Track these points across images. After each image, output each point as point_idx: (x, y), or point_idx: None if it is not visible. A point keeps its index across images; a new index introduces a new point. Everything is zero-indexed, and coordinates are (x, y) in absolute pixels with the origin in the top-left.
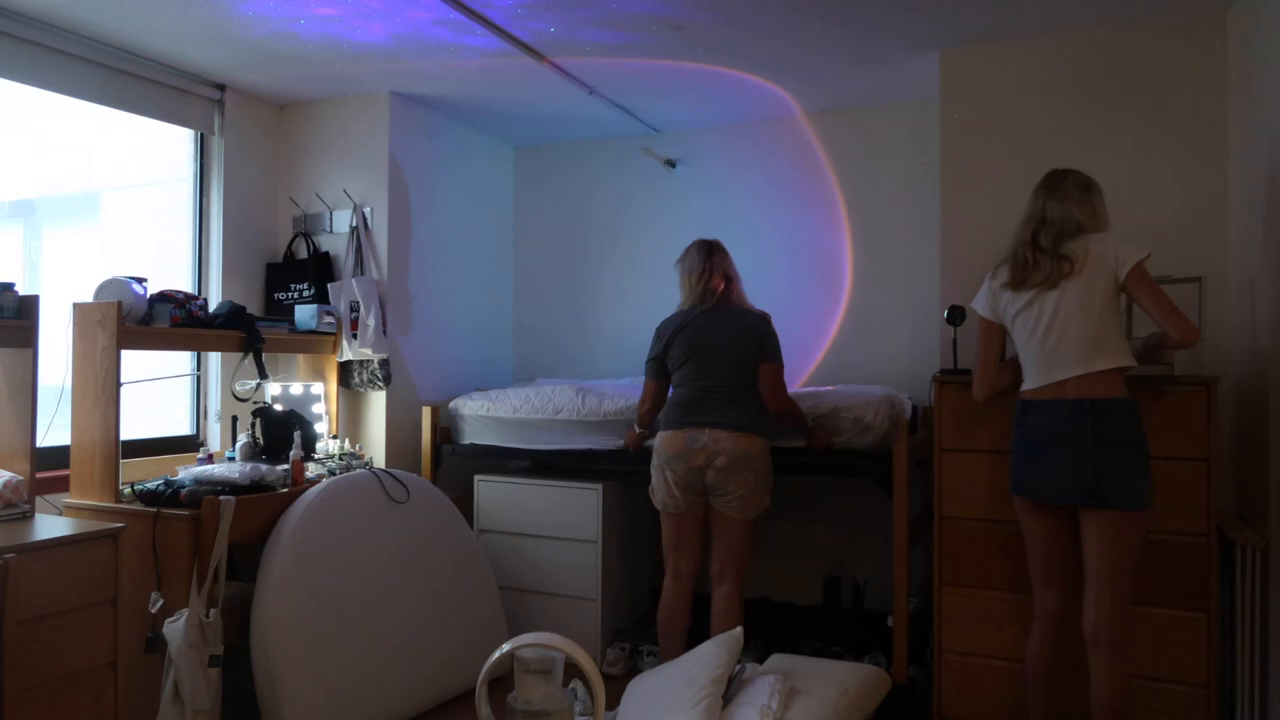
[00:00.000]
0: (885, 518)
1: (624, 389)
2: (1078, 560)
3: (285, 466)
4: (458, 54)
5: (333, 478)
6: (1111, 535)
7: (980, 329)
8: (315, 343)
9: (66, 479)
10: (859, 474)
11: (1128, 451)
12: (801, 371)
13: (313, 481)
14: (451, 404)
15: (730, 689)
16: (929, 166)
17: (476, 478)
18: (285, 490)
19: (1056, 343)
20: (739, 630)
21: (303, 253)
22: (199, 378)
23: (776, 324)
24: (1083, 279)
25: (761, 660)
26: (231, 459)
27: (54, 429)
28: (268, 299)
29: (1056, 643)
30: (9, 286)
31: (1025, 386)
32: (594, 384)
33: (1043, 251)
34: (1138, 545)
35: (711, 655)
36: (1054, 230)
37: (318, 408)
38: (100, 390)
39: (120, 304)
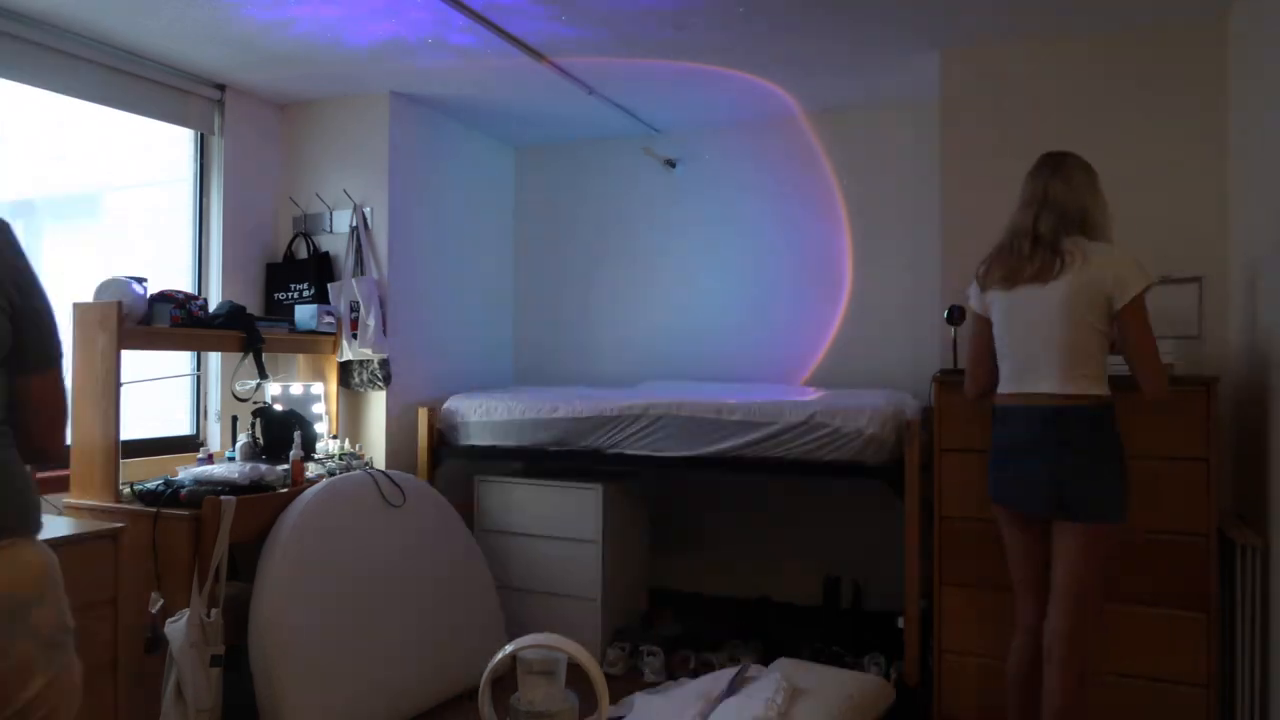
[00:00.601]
0: (886, 518)
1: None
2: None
3: (285, 466)
4: (458, 54)
5: (331, 478)
6: (1076, 548)
7: (972, 324)
8: (315, 343)
9: (66, 479)
10: (868, 475)
11: (1095, 460)
12: (802, 371)
13: (312, 481)
14: (446, 405)
15: (732, 684)
16: (929, 166)
17: (476, 478)
18: (285, 490)
19: (1032, 350)
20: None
21: (303, 253)
22: (199, 378)
23: (777, 323)
24: (1072, 286)
25: (763, 661)
26: (231, 459)
27: None
28: (268, 299)
29: (1035, 654)
30: None
31: (999, 390)
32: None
33: (1039, 243)
34: (1104, 559)
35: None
36: (1055, 216)
37: (318, 408)
38: (100, 390)
39: (120, 304)
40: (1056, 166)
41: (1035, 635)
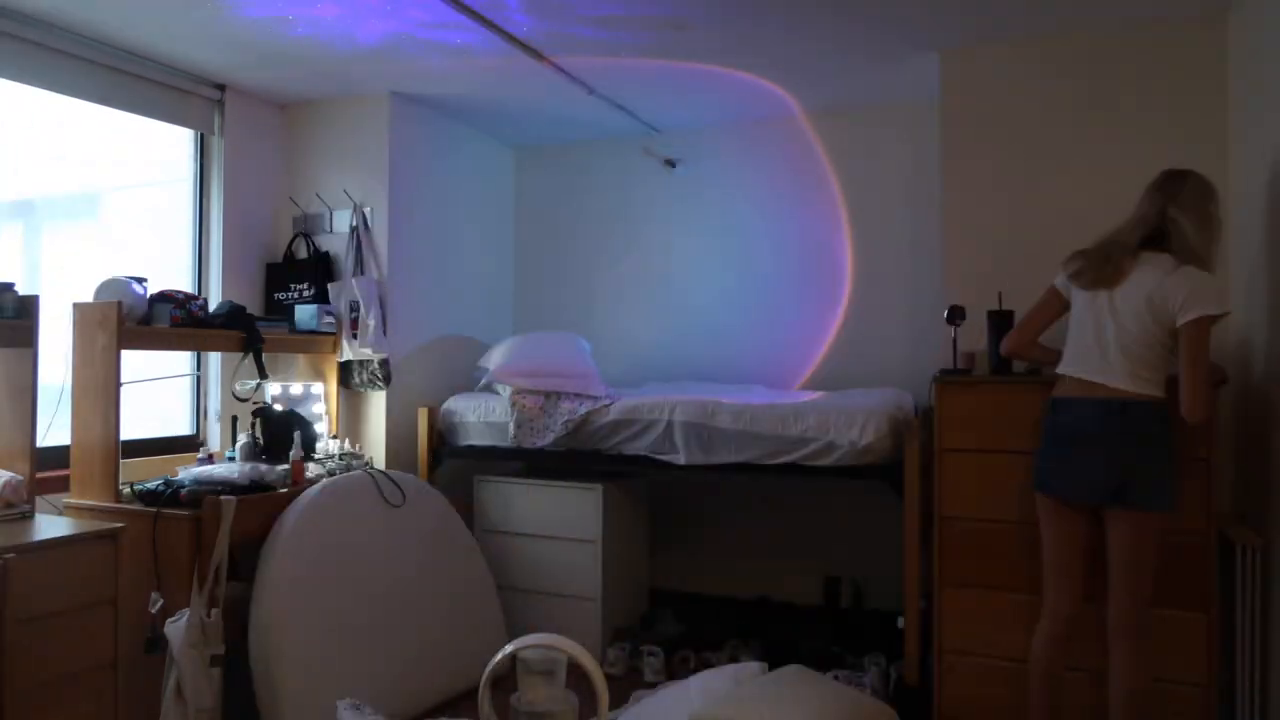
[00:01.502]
0: (886, 517)
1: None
2: (1094, 561)
3: (285, 466)
4: (458, 54)
5: (331, 478)
6: (1135, 532)
7: (1045, 294)
8: (315, 343)
9: (66, 479)
10: (868, 475)
11: (1155, 452)
12: (803, 371)
13: (312, 481)
14: (446, 405)
15: None
16: (928, 166)
17: (476, 478)
18: (285, 490)
19: (1103, 348)
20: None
21: (303, 253)
22: (199, 378)
23: (778, 323)
24: (1144, 295)
25: (765, 661)
26: (231, 459)
27: (54, 429)
28: (268, 299)
29: (1065, 641)
30: (9, 286)
31: (1060, 383)
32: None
33: (1125, 252)
34: (1158, 544)
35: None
36: (1145, 230)
37: (318, 408)
38: (100, 390)
39: (120, 304)
40: (1174, 193)
41: (1067, 623)
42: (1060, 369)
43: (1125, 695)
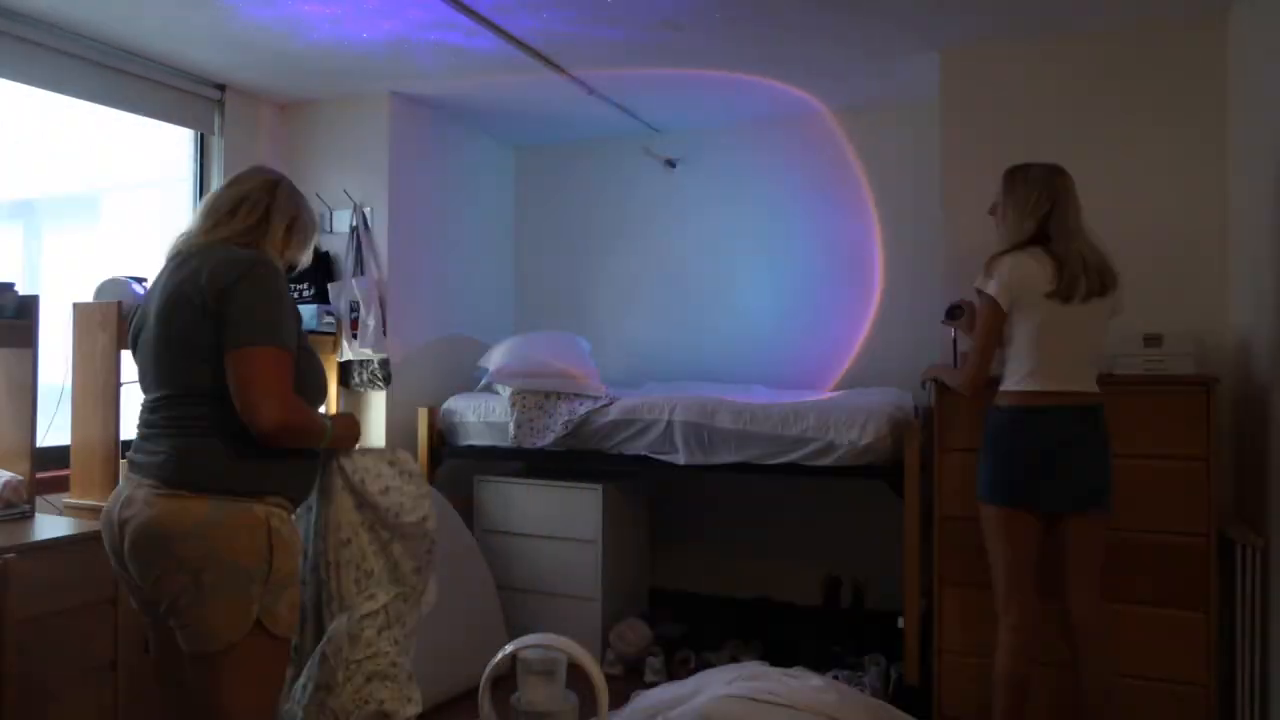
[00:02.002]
0: (887, 517)
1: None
2: (1043, 566)
3: None
4: (458, 54)
5: None
6: (1101, 534)
7: (990, 315)
8: (315, 342)
9: (66, 479)
10: (868, 475)
11: (1110, 454)
12: (802, 370)
13: None
14: (446, 405)
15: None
16: (929, 166)
17: (476, 478)
18: None
19: (1075, 355)
20: None
21: None
22: None
23: (778, 322)
24: (1108, 298)
25: (765, 660)
26: None
27: (54, 429)
28: None
29: (1034, 650)
30: (9, 286)
31: (1020, 388)
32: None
33: (1089, 267)
34: None
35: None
36: (1084, 242)
37: None
38: (100, 390)
39: (120, 304)
40: (1070, 191)
41: (1032, 630)
42: (1019, 380)
43: (1105, 694)
